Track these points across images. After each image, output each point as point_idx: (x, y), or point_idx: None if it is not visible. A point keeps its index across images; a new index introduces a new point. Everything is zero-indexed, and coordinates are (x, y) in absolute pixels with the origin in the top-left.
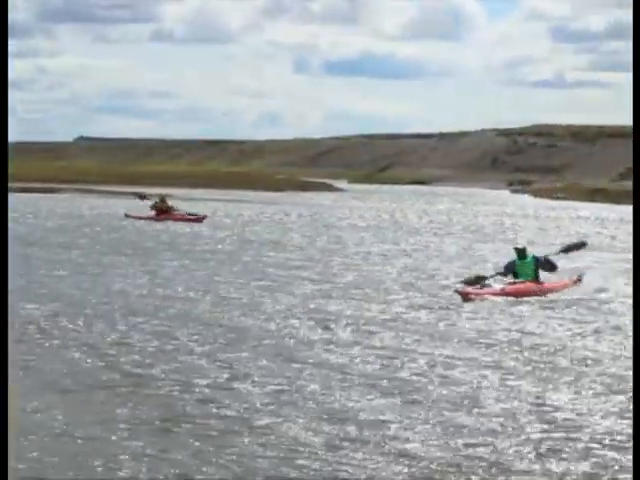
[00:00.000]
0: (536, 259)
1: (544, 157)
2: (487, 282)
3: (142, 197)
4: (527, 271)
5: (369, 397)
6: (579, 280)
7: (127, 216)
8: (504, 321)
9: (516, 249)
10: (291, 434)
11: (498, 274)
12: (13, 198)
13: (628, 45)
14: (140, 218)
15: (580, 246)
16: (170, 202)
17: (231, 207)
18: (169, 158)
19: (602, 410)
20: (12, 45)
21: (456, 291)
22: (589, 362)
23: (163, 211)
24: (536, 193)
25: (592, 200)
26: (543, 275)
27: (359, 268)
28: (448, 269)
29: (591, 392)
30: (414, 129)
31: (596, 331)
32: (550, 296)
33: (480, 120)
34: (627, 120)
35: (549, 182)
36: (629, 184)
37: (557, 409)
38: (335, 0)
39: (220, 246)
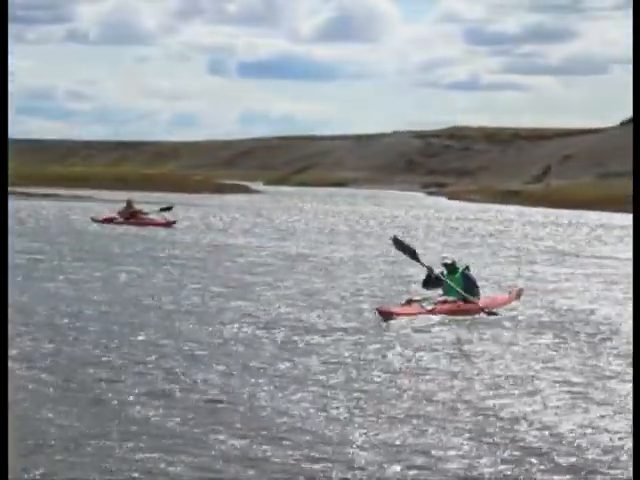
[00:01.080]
0: (465, 275)
1: (459, 159)
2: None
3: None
4: (456, 286)
5: None
6: (519, 295)
7: (93, 220)
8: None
9: (445, 264)
10: None
11: (424, 284)
12: None
13: (542, 48)
14: (105, 222)
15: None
16: (89, 204)
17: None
18: (84, 160)
19: None
20: None
21: (378, 310)
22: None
23: (131, 215)
24: (451, 195)
25: (506, 202)
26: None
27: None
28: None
29: None
30: (330, 131)
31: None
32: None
33: (396, 122)
34: (541, 122)
35: (464, 184)
36: (541, 186)
37: None
38: (251, 2)
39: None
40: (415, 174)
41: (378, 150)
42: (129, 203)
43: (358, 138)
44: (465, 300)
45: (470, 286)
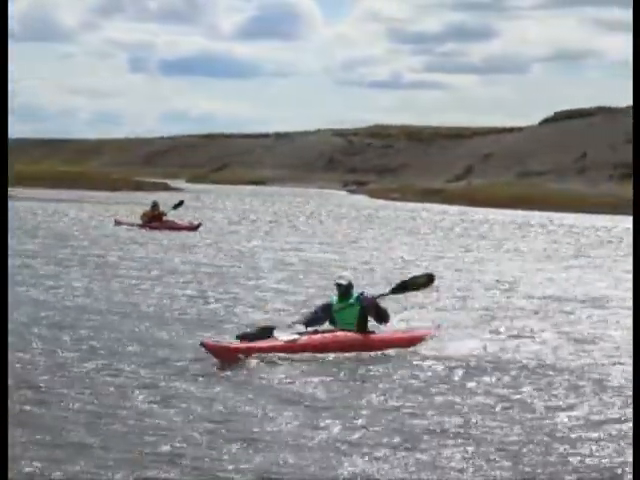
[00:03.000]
0: (361, 300)
1: (380, 157)
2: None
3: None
4: (349, 316)
5: None
6: (436, 331)
7: (117, 222)
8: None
9: (338, 285)
10: None
11: (306, 321)
12: None
13: (463, 47)
14: (131, 225)
15: (421, 283)
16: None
17: (65, 207)
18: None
19: None
20: None
21: (203, 344)
22: None
23: (154, 218)
24: (372, 193)
25: (426, 201)
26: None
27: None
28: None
29: None
30: (251, 129)
31: None
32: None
33: (317, 120)
34: (462, 121)
35: (385, 183)
36: (463, 185)
37: None
38: None
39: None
40: (336, 172)
41: (299, 148)
42: (155, 204)
43: (278, 136)
44: (362, 332)
45: (372, 313)
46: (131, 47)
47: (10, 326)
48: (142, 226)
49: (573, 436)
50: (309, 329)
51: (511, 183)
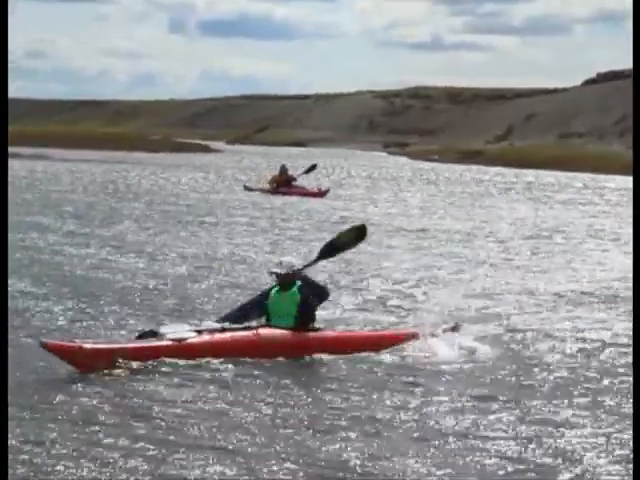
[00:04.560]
0: (305, 287)
1: (420, 119)
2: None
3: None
4: (287, 309)
5: None
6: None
7: (246, 188)
8: None
9: (275, 273)
10: None
11: (226, 316)
12: None
13: (504, 8)
14: (260, 190)
15: (351, 239)
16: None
17: (106, 168)
18: (44, 118)
19: None
20: None
21: (42, 345)
22: None
23: (282, 183)
24: (412, 155)
25: (467, 162)
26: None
27: None
28: None
29: None
30: (291, 90)
31: None
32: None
33: (357, 82)
34: (503, 83)
35: (425, 144)
36: (505, 145)
37: None
38: None
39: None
40: (376, 134)
41: (339, 110)
42: (283, 168)
43: (318, 98)
44: (303, 329)
45: (312, 297)
46: (170, 7)
47: None
48: (272, 192)
49: None
50: (237, 325)
51: (553, 144)
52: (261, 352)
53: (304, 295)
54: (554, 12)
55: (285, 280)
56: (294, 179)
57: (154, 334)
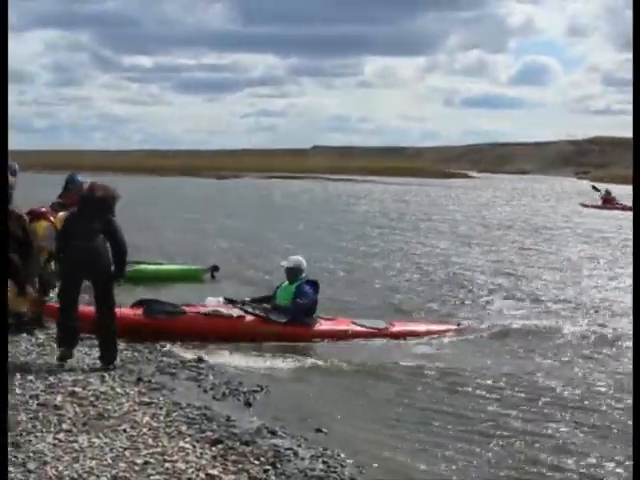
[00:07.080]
0: (303, 287)
1: (597, 157)
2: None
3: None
4: (284, 294)
5: None
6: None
7: (583, 205)
8: None
9: (288, 268)
10: None
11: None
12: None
13: None
14: (595, 207)
15: None
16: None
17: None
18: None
19: None
20: None
21: None
22: None
23: (608, 201)
24: (592, 179)
25: (627, 183)
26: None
27: None
28: None
29: None
30: (513, 139)
31: None
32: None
33: (557, 133)
34: None
35: (599, 173)
36: None
37: None
38: None
39: None
40: (570, 166)
41: (546, 152)
42: (608, 192)
43: (536, 145)
44: (296, 323)
45: (306, 302)
46: None
47: None
48: (602, 207)
49: None
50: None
51: None
52: (236, 333)
53: (298, 296)
54: None
55: (290, 273)
56: (615, 199)
57: (141, 303)
